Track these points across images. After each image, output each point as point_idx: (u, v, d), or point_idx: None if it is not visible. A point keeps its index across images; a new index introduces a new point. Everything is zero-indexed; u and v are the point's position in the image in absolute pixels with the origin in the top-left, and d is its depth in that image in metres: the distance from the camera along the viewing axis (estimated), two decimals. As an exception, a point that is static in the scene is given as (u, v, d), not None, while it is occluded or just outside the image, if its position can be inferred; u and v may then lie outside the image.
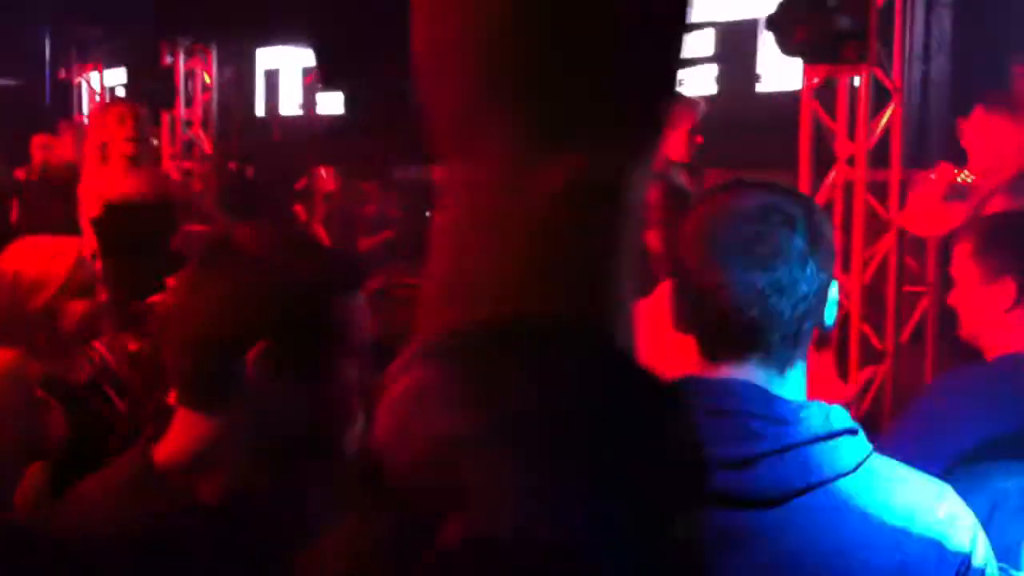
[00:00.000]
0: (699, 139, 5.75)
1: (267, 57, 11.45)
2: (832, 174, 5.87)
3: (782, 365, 1.59)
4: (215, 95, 10.19)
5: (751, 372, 1.58)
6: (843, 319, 5.73)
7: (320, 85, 8.72)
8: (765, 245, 1.56)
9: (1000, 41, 6.14)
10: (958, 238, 2.76)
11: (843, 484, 1.51)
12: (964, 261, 2.55)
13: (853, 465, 1.52)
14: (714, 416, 1.54)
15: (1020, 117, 3.95)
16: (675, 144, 5.60)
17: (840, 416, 1.55)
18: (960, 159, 6.04)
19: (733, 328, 1.58)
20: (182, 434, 1.51)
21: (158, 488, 1.48)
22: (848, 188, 5.83)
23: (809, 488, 1.50)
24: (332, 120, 9.43)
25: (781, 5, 5.39)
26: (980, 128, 4.29)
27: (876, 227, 5.85)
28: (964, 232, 2.73)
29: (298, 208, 10.26)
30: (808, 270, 1.58)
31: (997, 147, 4.11)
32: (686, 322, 1.64)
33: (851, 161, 5.81)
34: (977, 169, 4.39)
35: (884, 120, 5.74)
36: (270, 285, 1.48)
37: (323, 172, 10.11)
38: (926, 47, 6.13)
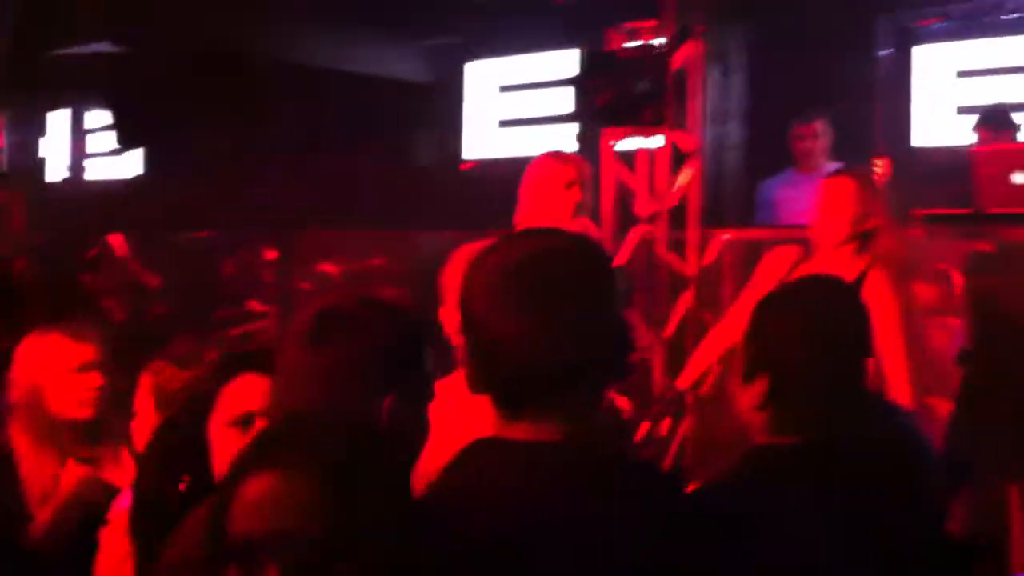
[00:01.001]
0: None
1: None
2: (633, 232, 5.99)
3: (581, 415, 1.56)
4: (5, 160, 9.70)
5: (550, 427, 1.53)
6: (646, 373, 5.82)
7: (118, 146, 8.40)
8: (558, 293, 1.53)
9: (791, 105, 6.43)
10: None
11: None
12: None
13: None
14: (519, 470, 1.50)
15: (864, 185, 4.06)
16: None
17: None
18: (751, 217, 6.30)
19: (529, 380, 1.53)
20: None
21: None
22: (649, 246, 5.96)
23: None
24: (121, 184, 9.12)
25: (582, 69, 5.51)
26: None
27: (676, 284, 5.99)
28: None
29: (86, 278, 9.78)
30: (603, 318, 1.56)
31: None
32: (482, 380, 1.58)
33: (652, 220, 5.94)
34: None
35: (682, 181, 5.90)
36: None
37: (113, 240, 9.69)
38: (721, 111, 6.35)
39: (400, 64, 7.97)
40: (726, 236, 6.12)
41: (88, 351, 3.10)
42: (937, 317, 4.76)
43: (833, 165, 5.86)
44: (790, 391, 2.13)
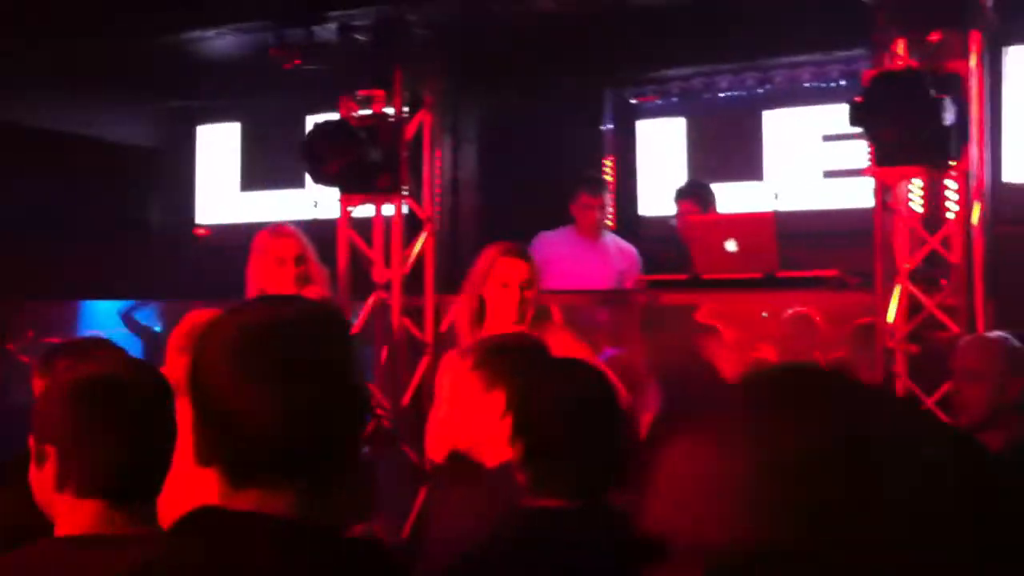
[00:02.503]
0: None
1: None
2: (370, 299, 5.98)
3: (317, 489, 1.52)
4: None
5: (278, 500, 1.49)
6: (391, 441, 5.80)
7: None
8: (292, 363, 1.50)
9: (521, 175, 6.63)
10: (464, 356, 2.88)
11: None
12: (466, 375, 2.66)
13: None
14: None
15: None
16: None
17: None
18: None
19: (259, 452, 1.49)
20: None
21: None
22: (385, 313, 5.96)
23: None
24: None
25: (312, 135, 5.49)
26: None
27: (413, 350, 6.00)
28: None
29: None
30: (339, 388, 1.53)
31: None
32: (210, 450, 1.52)
33: (388, 286, 5.95)
34: None
35: (417, 248, 5.95)
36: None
37: None
38: (454, 179, 6.47)
39: (129, 127, 7.71)
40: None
41: None
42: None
43: (610, 237, 6.10)
44: (543, 454, 2.27)
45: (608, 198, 6.20)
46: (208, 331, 1.56)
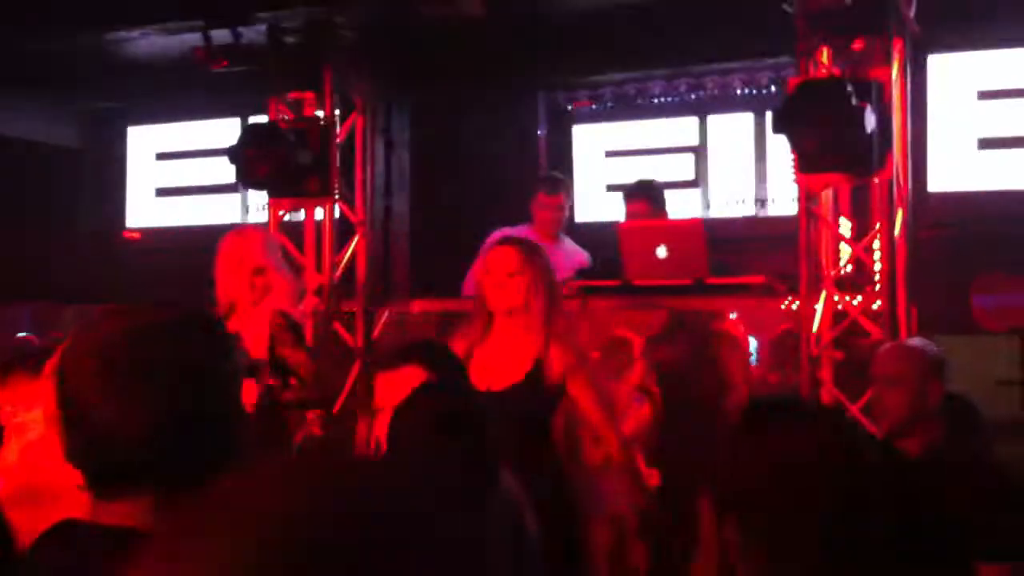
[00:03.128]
0: None
1: None
2: (302, 305, 5.91)
3: (180, 500, 1.47)
4: None
5: (142, 513, 1.44)
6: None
7: None
8: (151, 372, 1.46)
9: (453, 178, 6.60)
10: None
11: None
12: None
13: None
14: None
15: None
16: None
17: None
18: (423, 291, 6.36)
19: (119, 463, 1.46)
20: None
21: None
22: (318, 318, 5.90)
23: None
24: None
25: (241, 138, 5.42)
26: None
27: (345, 356, 5.95)
28: None
29: None
30: (203, 397, 1.50)
31: None
32: (74, 456, 1.49)
33: (319, 292, 5.89)
34: None
35: (349, 252, 5.89)
36: None
37: None
38: (387, 183, 6.42)
39: (54, 128, 7.57)
40: (395, 308, 6.16)
41: None
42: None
43: (566, 240, 5.97)
44: None
45: (567, 197, 6.06)
46: (74, 338, 1.52)
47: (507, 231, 6.01)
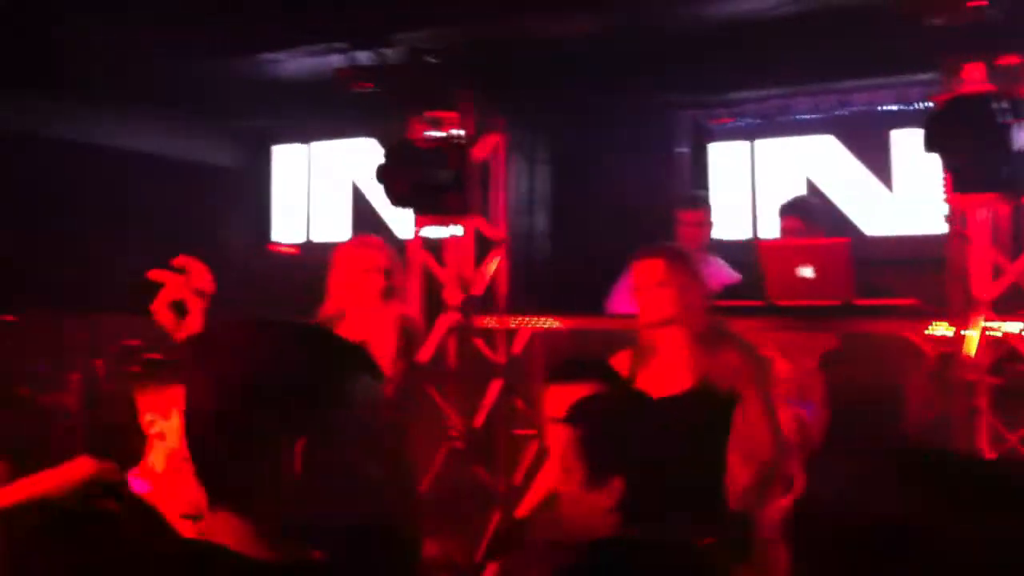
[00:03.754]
0: None
1: None
2: (442, 319, 5.97)
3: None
4: None
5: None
6: (459, 463, 5.79)
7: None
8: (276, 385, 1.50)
9: (593, 196, 6.56)
10: None
11: None
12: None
13: None
14: None
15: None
16: None
17: None
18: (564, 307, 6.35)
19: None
20: None
21: None
22: (459, 333, 5.95)
23: None
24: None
25: (386, 157, 5.50)
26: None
27: (486, 371, 5.98)
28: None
29: None
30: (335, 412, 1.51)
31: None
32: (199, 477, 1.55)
33: (460, 307, 5.94)
34: None
35: (491, 269, 5.93)
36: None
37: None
38: (529, 200, 6.44)
39: (205, 147, 7.84)
40: (537, 325, 6.16)
41: None
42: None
43: (715, 260, 5.80)
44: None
45: (707, 214, 5.91)
46: (194, 359, 1.58)
47: None
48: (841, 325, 5.01)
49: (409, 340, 4.39)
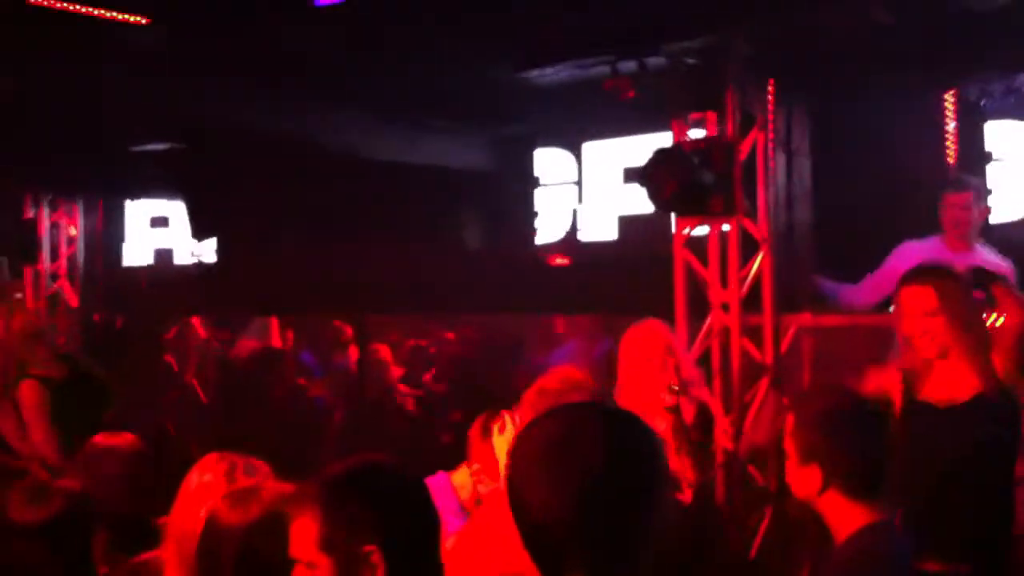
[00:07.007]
0: None
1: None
2: (708, 321, 5.97)
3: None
4: (80, 247, 9.95)
5: None
6: (728, 462, 5.78)
7: (193, 235, 8.60)
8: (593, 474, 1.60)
9: (857, 188, 6.37)
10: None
11: None
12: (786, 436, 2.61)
13: None
14: None
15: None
16: None
17: None
18: (821, 304, 6.21)
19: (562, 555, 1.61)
20: None
21: None
22: (724, 334, 5.93)
23: None
24: (198, 268, 9.36)
25: (650, 161, 5.53)
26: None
27: (752, 371, 5.93)
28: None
29: (169, 358, 10.01)
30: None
31: None
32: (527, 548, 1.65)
33: (725, 307, 5.91)
34: None
35: (754, 268, 5.87)
36: None
37: (194, 322, 9.91)
38: (789, 196, 6.31)
39: (468, 154, 8.08)
40: (802, 322, 6.07)
41: None
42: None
43: (984, 249, 5.63)
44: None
45: (979, 198, 5.70)
46: (521, 436, 1.70)
47: (914, 244, 5.75)
48: None
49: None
